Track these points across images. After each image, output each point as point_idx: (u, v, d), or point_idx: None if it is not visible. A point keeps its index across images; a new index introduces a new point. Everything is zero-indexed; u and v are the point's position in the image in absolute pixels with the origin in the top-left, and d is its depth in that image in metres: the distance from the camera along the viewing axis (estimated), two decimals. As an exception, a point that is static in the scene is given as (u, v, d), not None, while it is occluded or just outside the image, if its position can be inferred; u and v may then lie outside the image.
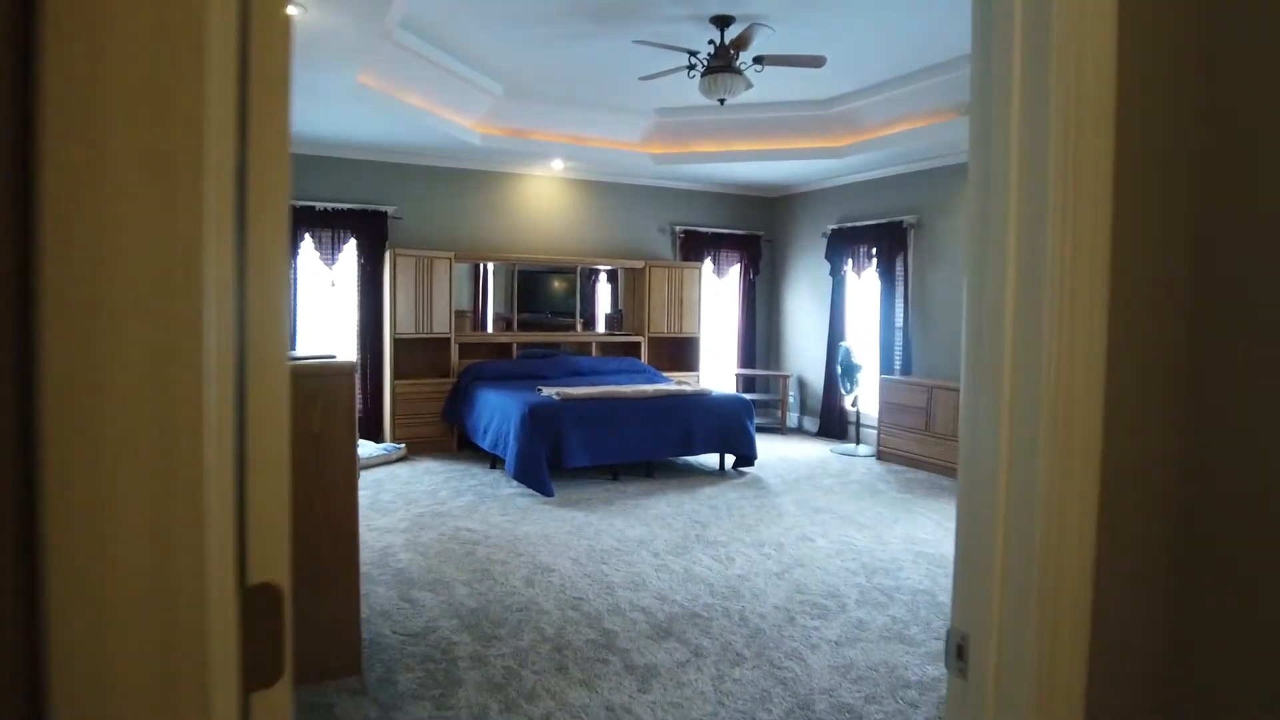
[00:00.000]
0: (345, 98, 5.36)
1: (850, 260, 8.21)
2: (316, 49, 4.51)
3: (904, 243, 7.63)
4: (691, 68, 5.15)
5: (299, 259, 7.20)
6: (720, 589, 3.93)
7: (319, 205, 7.20)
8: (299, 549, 2.64)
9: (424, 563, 4.25)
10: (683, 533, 4.87)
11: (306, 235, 7.23)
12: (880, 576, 4.15)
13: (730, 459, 6.76)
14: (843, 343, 7.89)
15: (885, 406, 7.27)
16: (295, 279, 7.18)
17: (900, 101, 6.51)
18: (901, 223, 7.61)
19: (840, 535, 4.88)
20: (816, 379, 8.78)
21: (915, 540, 4.81)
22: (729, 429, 6.41)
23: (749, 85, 5.20)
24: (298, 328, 7.20)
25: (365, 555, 4.33)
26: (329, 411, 2.86)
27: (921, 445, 6.89)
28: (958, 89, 6.02)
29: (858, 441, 7.76)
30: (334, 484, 2.89)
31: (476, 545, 4.56)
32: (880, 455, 7.30)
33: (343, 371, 2.88)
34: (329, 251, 7.31)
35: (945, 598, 3.86)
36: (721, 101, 5.16)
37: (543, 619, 3.53)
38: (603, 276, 8.64)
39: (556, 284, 8.34)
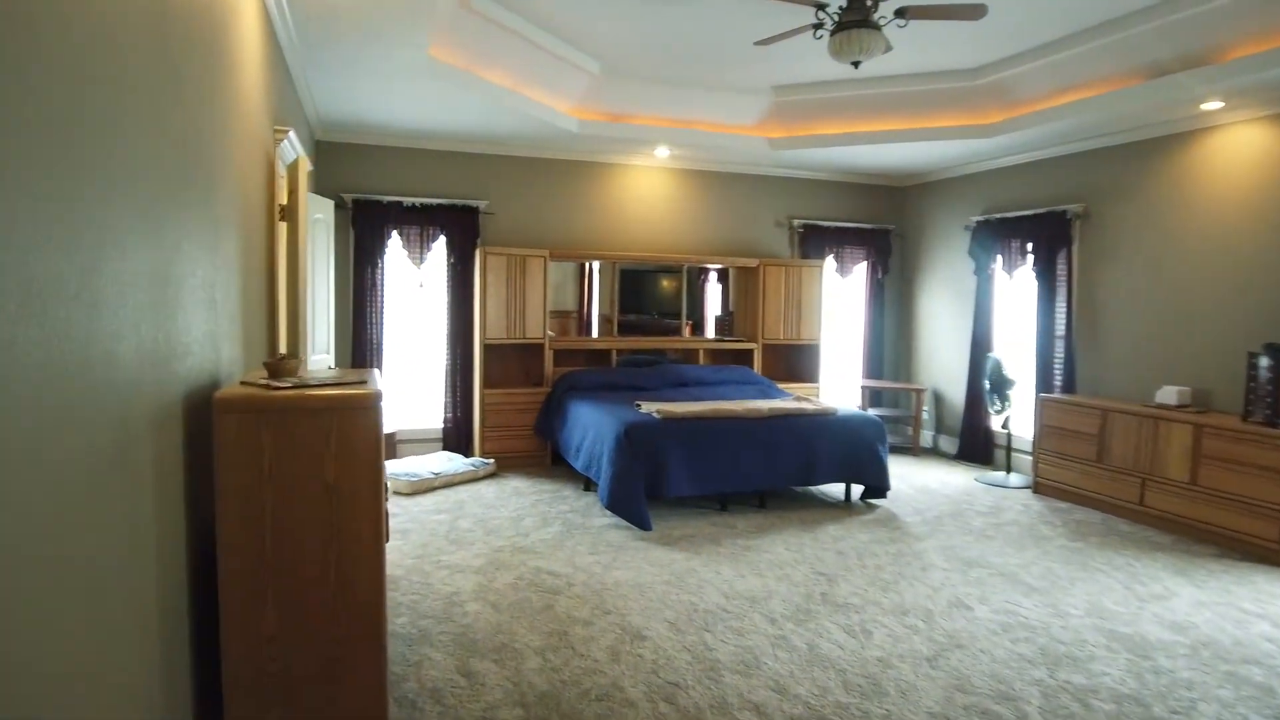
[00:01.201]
0: (417, 74, 4.77)
1: (1000, 257, 7.09)
2: (378, 16, 3.91)
3: (1067, 236, 6.47)
4: (819, 25, 4.28)
5: (386, 258, 6.73)
6: (856, 679, 3.06)
7: (406, 200, 6.70)
8: (304, 630, 1.97)
9: (494, 618, 3.57)
10: (805, 589, 4.01)
11: (394, 232, 6.75)
12: (1066, 669, 3.19)
13: (857, 488, 5.84)
14: (991, 353, 6.80)
15: (1044, 430, 6.15)
16: (382, 280, 6.71)
17: (1066, 67, 5.42)
18: (1065, 213, 6.46)
19: (1005, 602, 3.90)
20: (956, 394, 7.68)
21: (1103, 613, 3.78)
22: (858, 455, 5.49)
23: (888, 47, 4.28)
24: (384, 333, 6.73)
25: (428, 605, 3.70)
26: (345, 455, 2.19)
27: (1091, 480, 5.75)
28: (1141, 48, 4.91)
29: (1008, 469, 6.65)
30: (354, 547, 2.22)
31: (557, 595, 3.85)
32: (1038, 488, 6.18)
33: (362, 405, 2.20)
34: (417, 250, 6.81)
35: (1161, 710, 2.87)
36: (855, 65, 4.27)
37: (627, 715, 2.77)
38: (713, 276, 7.83)
39: (663, 284, 7.60)
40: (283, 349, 4.07)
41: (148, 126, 1.73)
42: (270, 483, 2.12)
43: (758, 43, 4.64)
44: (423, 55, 4.48)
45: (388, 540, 2.33)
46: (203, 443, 2.27)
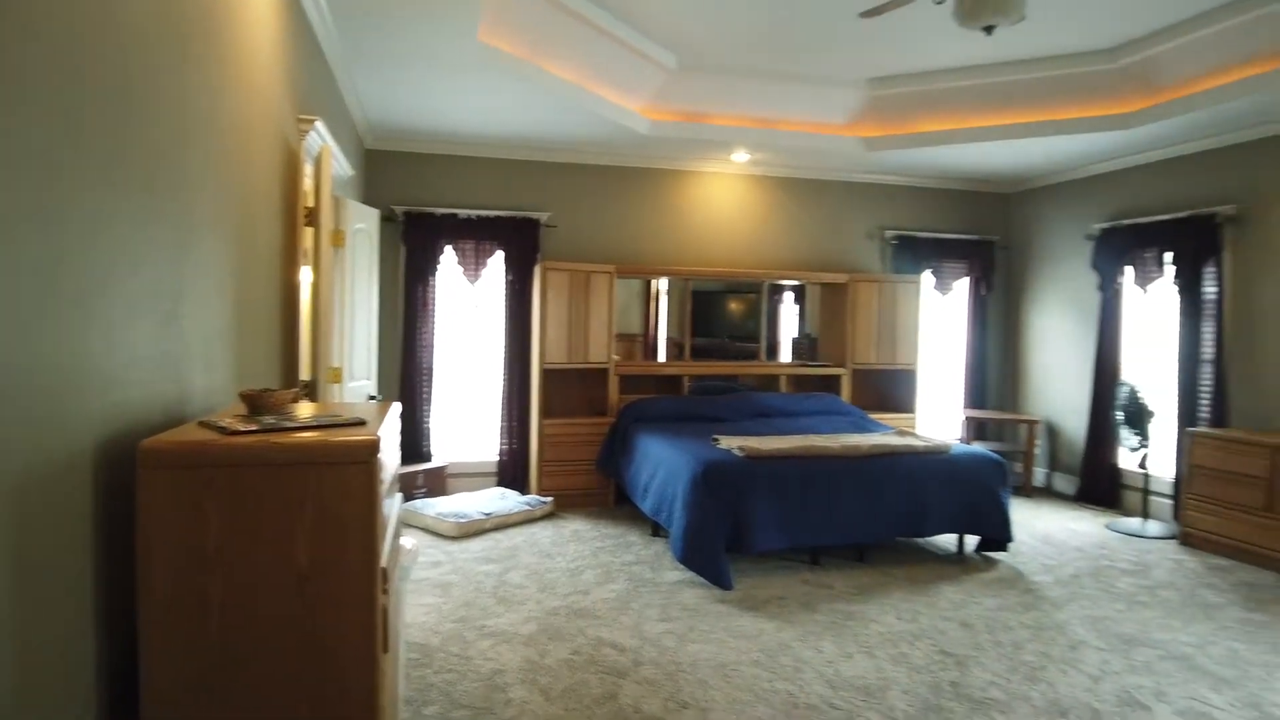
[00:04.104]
0: (467, 63, 4.19)
1: (1130, 269, 6.17)
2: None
3: (1216, 244, 5.53)
4: (940, -12, 3.56)
5: (438, 275, 6.18)
6: (1024, 825, 2.27)
7: (462, 213, 6.16)
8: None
9: (543, 711, 2.88)
10: (929, 675, 3.22)
11: (447, 247, 6.21)
12: (1318, 817, 2.34)
13: (970, 538, 4.99)
14: (1123, 380, 5.87)
15: (1193, 472, 5.20)
16: (435, 298, 6.17)
17: (1229, 41, 4.55)
18: (1213, 216, 5.52)
19: (1189, 699, 3.04)
20: (1074, 426, 6.73)
21: (1335, 723, 2.89)
22: (977, 501, 4.66)
23: (1023, 15, 3.53)
24: (435, 357, 6.18)
25: (465, 688, 3.03)
26: (327, 529, 1.54)
27: (1260, 532, 4.79)
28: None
29: (1145, 516, 5.69)
30: (337, 665, 1.56)
31: (622, 679, 3.14)
32: (1185, 539, 5.23)
33: (352, 456, 1.55)
34: (472, 266, 6.25)
35: None
36: (988, 31, 3.52)
37: None
38: (788, 295, 7.06)
39: (733, 304, 6.87)
40: (305, 375, 3.50)
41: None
42: (218, 571, 1.48)
43: (863, 14, 3.92)
44: (472, 39, 3.90)
45: (386, 649, 1.67)
46: (131, 510, 1.65)
